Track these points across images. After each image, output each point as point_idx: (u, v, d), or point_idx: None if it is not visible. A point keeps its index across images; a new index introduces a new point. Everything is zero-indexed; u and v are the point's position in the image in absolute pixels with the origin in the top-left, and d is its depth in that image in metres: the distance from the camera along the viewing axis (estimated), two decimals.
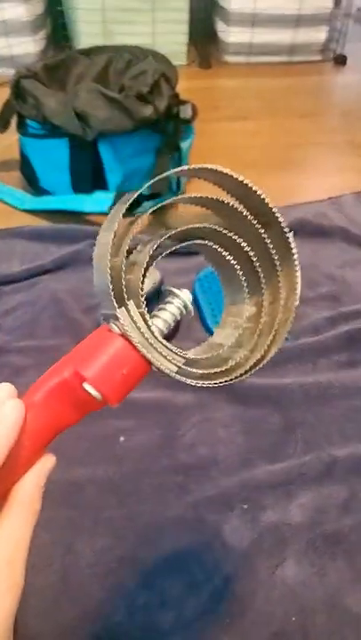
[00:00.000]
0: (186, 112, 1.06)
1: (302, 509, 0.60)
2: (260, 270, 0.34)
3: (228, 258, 0.34)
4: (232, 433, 0.67)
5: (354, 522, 0.59)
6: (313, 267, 0.93)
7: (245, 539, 0.57)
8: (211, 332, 0.78)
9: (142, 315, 0.30)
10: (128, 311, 0.30)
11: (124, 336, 0.29)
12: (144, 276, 0.31)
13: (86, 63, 1.13)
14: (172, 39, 1.74)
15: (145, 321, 0.30)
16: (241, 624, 0.51)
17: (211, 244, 0.34)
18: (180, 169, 0.31)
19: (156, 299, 0.79)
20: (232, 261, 0.34)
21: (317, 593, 0.53)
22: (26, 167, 1.12)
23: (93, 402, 0.30)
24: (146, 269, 0.31)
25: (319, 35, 1.82)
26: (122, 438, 0.66)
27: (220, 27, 1.82)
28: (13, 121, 1.08)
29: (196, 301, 0.85)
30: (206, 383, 0.31)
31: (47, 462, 0.32)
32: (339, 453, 0.64)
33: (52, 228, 0.99)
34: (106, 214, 0.99)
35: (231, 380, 0.32)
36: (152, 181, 0.32)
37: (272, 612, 0.52)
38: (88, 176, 1.03)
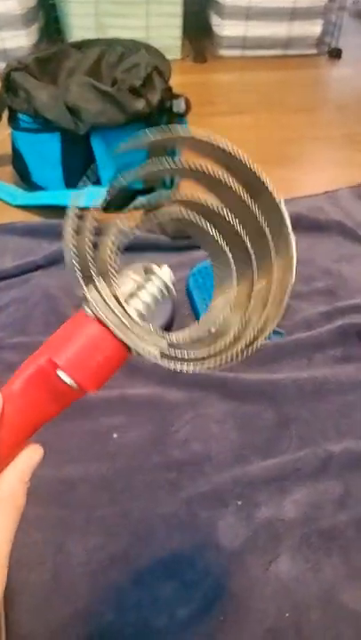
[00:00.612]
0: (179, 106, 1.05)
1: (297, 505, 0.59)
2: (250, 247, 0.31)
3: (212, 234, 0.31)
4: (225, 429, 0.66)
5: (349, 518, 0.58)
6: (309, 261, 0.92)
7: (240, 535, 0.57)
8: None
9: (115, 294, 0.28)
10: (98, 290, 0.27)
11: (98, 319, 0.27)
12: (115, 253, 0.29)
13: (78, 56, 1.11)
14: (166, 33, 1.73)
15: (119, 301, 0.28)
16: (235, 622, 0.51)
17: (196, 219, 0.31)
18: (149, 139, 0.30)
19: None
20: (219, 239, 0.31)
21: (312, 589, 0.53)
22: (18, 162, 1.10)
23: (70, 390, 0.29)
24: (115, 245, 0.29)
25: (314, 28, 1.81)
26: (115, 435, 0.65)
27: (215, 20, 1.80)
28: (5, 116, 1.07)
29: (190, 297, 0.84)
30: (192, 368, 0.29)
31: (33, 455, 0.31)
32: (334, 449, 0.64)
33: (44, 223, 0.98)
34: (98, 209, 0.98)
35: (218, 364, 0.29)
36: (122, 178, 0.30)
37: (266, 608, 0.52)
38: (80, 171, 1.02)
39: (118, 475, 0.61)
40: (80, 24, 1.70)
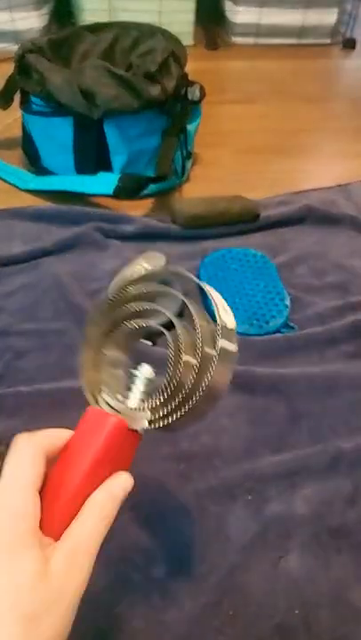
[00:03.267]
0: (194, 93, 1.03)
1: (307, 501, 0.59)
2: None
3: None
4: (236, 422, 0.66)
5: (359, 516, 0.58)
6: (321, 255, 0.91)
7: (249, 530, 0.56)
8: (215, 319, 0.77)
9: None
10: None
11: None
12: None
13: (92, 40, 1.10)
14: (178, 18, 1.70)
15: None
16: (244, 616, 0.50)
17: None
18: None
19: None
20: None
21: (321, 586, 0.53)
22: (28, 145, 1.09)
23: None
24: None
25: (329, 17, 1.78)
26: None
27: (228, 6, 1.78)
28: (17, 98, 1.06)
29: (201, 288, 0.83)
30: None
31: (125, 480, 0.37)
32: (344, 445, 0.63)
33: (53, 208, 0.97)
34: (109, 196, 0.98)
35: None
36: None
37: (275, 604, 0.51)
38: (92, 156, 1.01)
39: None
40: (91, 7, 1.67)
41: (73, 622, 0.33)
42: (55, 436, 0.38)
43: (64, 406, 0.65)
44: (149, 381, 0.41)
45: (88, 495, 0.35)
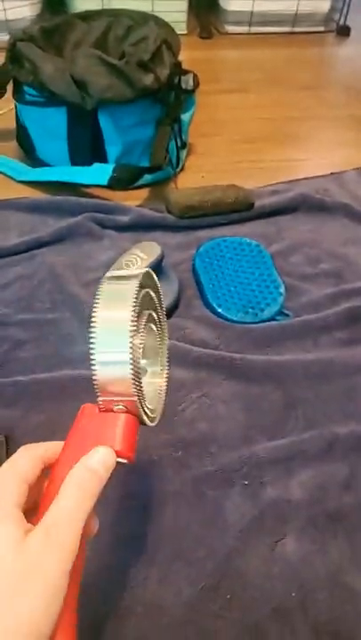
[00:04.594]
0: (187, 82, 1.03)
1: (303, 486, 0.60)
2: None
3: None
4: (232, 409, 0.67)
5: (355, 500, 0.59)
6: (315, 243, 0.91)
7: (246, 515, 0.57)
8: (210, 308, 0.78)
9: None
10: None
11: (128, 411, 0.36)
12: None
13: (84, 28, 1.09)
14: (172, 6, 1.69)
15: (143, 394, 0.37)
16: (242, 600, 0.51)
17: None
18: None
19: (158, 274, 0.78)
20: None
21: (318, 570, 0.53)
22: (22, 136, 1.09)
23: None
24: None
25: (323, 4, 1.77)
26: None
27: None
28: (10, 88, 1.05)
29: (196, 276, 0.83)
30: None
31: (104, 454, 0.35)
32: (339, 431, 0.64)
33: (49, 200, 0.97)
34: (104, 187, 0.98)
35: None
36: None
37: (272, 587, 0.52)
38: (87, 147, 1.00)
39: None
40: None
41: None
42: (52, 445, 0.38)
43: (62, 396, 0.65)
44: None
45: None
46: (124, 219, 0.92)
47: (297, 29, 1.81)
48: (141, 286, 0.36)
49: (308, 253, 0.90)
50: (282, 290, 0.80)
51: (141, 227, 0.92)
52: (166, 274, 0.80)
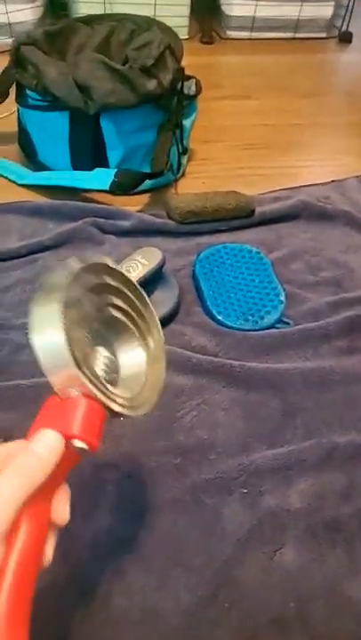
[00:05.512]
0: (190, 88, 1.03)
1: (302, 495, 0.60)
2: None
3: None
4: (232, 417, 0.67)
5: (353, 510, 0.59)
6: (316, 251, 0.92)
7: (245, 523, 0.57)
8: (210, 315, 0.78)
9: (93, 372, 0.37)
10: (87, 375, 0.35)
11: (85, 395, 0.35)
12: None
13: (87, 32, 1.09)
14: (173, 11, 1.69)
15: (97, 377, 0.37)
16: (239, 609, 0.51)
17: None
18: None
19: (158, 279, 0.78)
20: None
21: (316, 579, 0.54)
22: (24, 140, 1.09)
23: (78, 455, 0.36)
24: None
25: (325, 10, 1.78)
26: (121, 418, 0.65)
27: None
28: (13, 92, 1.05)
29: (196, 283, 0.83)
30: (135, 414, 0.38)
31: (50, 438, 0.34)
32: (338, 440, 0.64)
33: (50, 204, 0.97)
34: (106, 191, 0.98)
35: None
36: None
37: (270, 597, 0.52)
38: (88, 152, 1.00)
39: (124, 459, 0.61)
40: None
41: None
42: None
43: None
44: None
45: None
46: (125, 224, 0.92)
47: (299, 35, 1.81)
48: (76, 277, 0.36)
49: (309, 261, 0.90)
50: (282, 297, 0.80)
51: (142, 232, 0.92)
52: (166, 279, 0.80)
